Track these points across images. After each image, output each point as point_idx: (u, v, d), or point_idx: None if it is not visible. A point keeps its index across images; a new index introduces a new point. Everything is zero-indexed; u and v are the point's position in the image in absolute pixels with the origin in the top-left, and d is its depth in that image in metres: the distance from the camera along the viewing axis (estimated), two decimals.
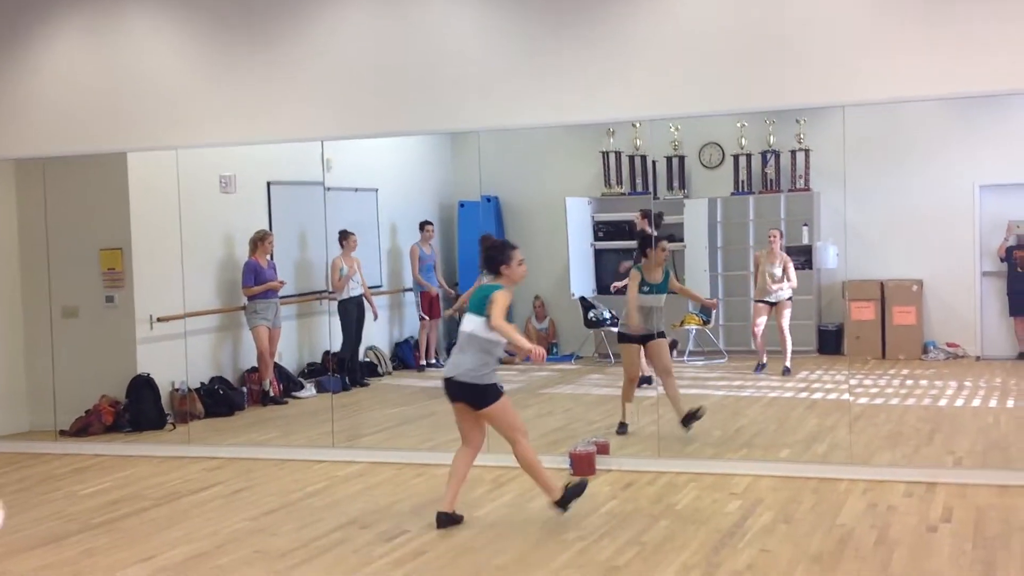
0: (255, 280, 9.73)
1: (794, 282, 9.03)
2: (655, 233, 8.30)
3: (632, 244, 10.64)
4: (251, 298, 9.74)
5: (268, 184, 9.88)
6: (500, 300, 6.06)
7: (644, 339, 8.08)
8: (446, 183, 11.63)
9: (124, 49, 8.79)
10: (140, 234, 9.22)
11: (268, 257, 9.82)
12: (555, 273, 10.80)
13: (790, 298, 9.07)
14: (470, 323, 6.19)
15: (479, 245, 6.58)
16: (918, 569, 5.15)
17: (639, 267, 8.10)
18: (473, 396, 6.16)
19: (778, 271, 9.07)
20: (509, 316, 6.15)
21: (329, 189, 8.90)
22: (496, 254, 6.23)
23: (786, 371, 9.09)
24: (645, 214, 9.19)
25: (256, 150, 8.84)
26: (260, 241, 9.78)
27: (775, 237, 9.19)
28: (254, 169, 9.68)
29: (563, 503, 6.18)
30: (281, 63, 8.35)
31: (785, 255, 9.17)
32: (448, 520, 6.15)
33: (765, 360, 9.26)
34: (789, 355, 9.10)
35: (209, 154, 8.92)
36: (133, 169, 9.16)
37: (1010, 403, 8.66)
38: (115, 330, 9.23)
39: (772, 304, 9.07)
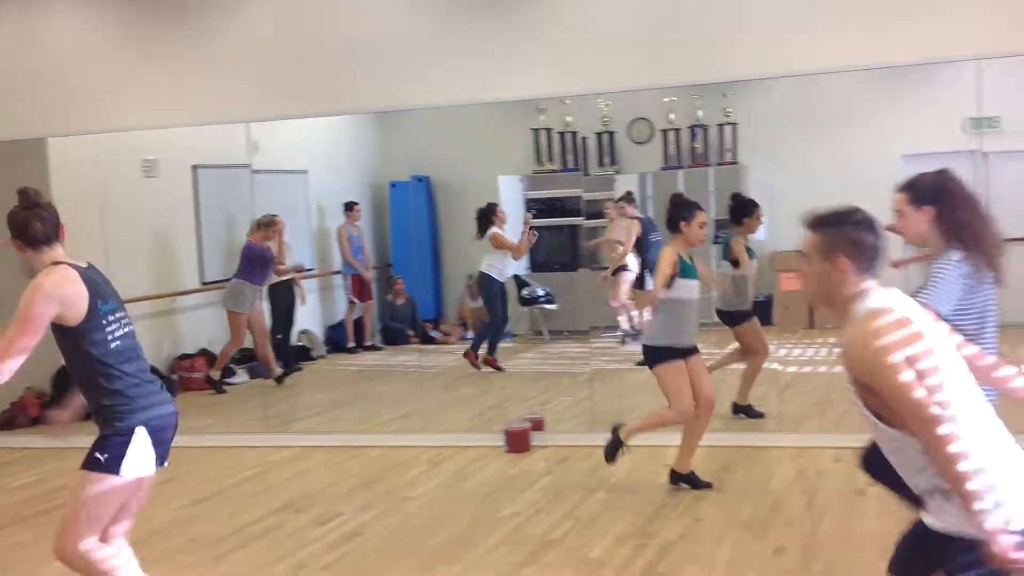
0: (255, 263, 9.58)
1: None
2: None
3: (564, 221, 10.70)
4: (240, 278, 9.56)
5: (194, 168, 9.71)
6: (663, 259, 5.97)
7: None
8: (377, 164, 11.55)
9: (41, 33, 8.56)
10: (63, 221, 9.00)
11: (271, 243, 9.69)
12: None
13: (624, 268, 9.42)
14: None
15: (668, 202, 6.35)
16: (847, 532, 5.25)
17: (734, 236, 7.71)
18: (644, 355, 6.09)
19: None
20: (691, 273, 6.02)
21: (256, 172, 8.79)
22: (677, 211, 6.09)
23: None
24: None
25: (180, 133, 8.68)
26: (267, 226, 9.64)
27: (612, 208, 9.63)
28: (179, 153, 9.50)
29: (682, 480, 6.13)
30: (204, 44, 8.20)
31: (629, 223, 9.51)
32: (680, 479, 6.12)
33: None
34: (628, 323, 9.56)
35: (131, 138, 8.73)
36: (54, 155, 8.94)
37: None
38: None
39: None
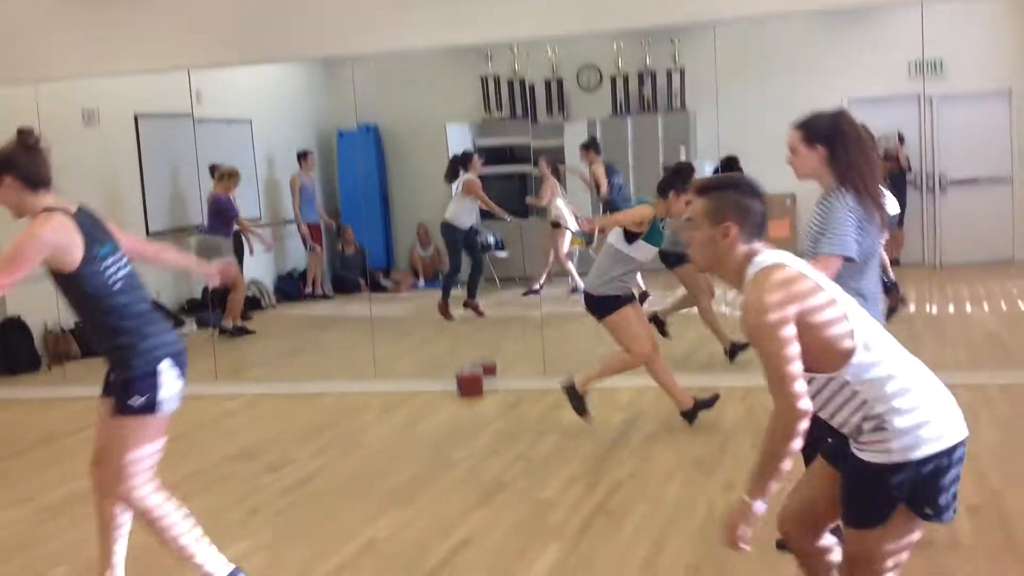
0: (223, 216, 9.53)
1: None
2: None
3: (514, 169, 10.68)
4: (211, 232, 9.50)
5: (136, 117, 9.52)
6: (635, 213, 5.98)
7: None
8: (324, 112, 11.44)
9: None
10: None
11: (233, 194, 9.68)
12: (438, 200, 10.75)
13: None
14: (612, 235, 6.09)
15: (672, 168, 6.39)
16: (794, 468, 5.32)
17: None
18: (591, 306, 6.13)
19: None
20: (657, 239, 6.02)
21: (200, 121, 8.65)
22: (675, 178, 6.01)
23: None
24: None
25: (121, 82, 8.51)
26: (230, 176, 9.63)
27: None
28: (120, 102, 9.31)
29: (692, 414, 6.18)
30: None
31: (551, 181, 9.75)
32: (695, 412, 6.18)
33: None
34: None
35: (70, 87, 8.54)
36: None
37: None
38: None
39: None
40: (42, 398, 8.13)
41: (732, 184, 2.88)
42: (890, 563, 2.86)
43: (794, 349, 2.68)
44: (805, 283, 2.75)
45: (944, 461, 2.75)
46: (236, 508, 5.29)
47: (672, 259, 7.54)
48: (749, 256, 2.82)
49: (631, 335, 6.08)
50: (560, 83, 10.39)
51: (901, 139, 8.97)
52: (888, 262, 8.53)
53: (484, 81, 10.64)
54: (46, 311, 8.81)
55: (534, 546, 4.54)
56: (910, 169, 8.88)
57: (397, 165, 11.46)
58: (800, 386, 2.68)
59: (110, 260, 3.81)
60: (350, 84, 8.64)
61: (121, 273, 3.83)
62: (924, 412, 2.75)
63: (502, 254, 10.96)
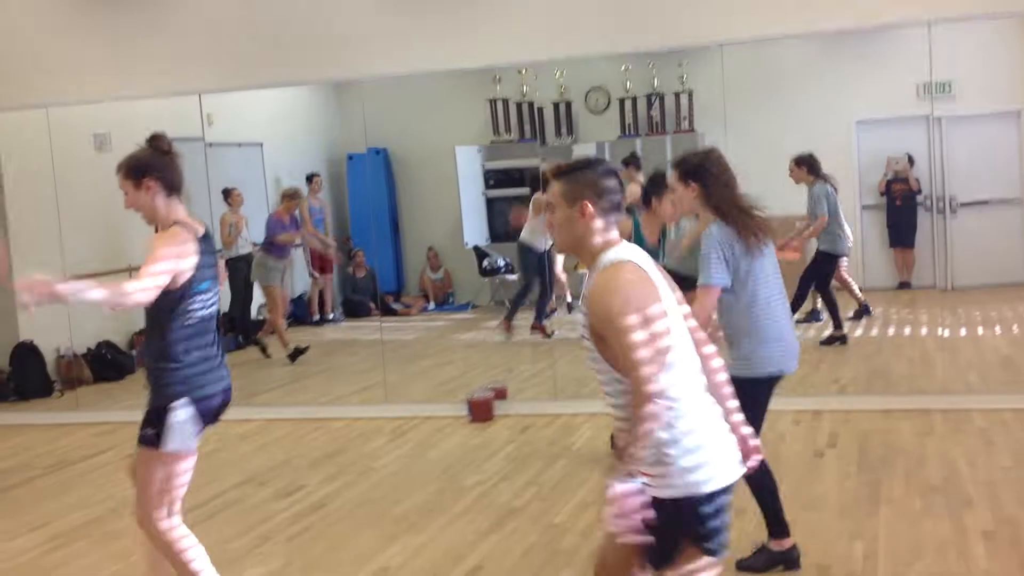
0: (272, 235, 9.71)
1: None
2: None
3: (523, 192, 10.69)
4: (265, 252, 9.59)
5: (147, 141, 9.54)
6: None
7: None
8: (334, 136, 11.46)
9: None
10: (14, 197, 8.88)
11: (294, 213, 9.84)
12: (448, 223, 10.78)
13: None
14: None
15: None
16: (807, 494, 5.32)
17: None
18: None
19: None
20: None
21: (211, 145, 8.69)
22: (648, 187, 6.06)
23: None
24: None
25: (133, 107, 8.55)
26: (290, 197, 9.79)
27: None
28: (131, 126, 9.30)
29: None
30: (154, 14, 8.08)
31: None
32: None
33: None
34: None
35: (82, 112, 8.59)
36: (2, 130, 8.79)
37: (891, 330, 8.97)
38: None
39: None
40: (54, 424, 8.14)
41: (587, 165, 2.94)
42: None
43: (641, 333, 2.72)
44: (647, 288, 2.80)
45: (717, 501, 2.81)
46: (247, 535, 5.29)
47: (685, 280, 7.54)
48: (606, 245, 2.89)
49: None
50: (568, 105, 10.40)
51: (911, 161, 8.95)
52: (855, 287, 8.53)
53: (493, 104, 10.65)
54: (58, 336, 8.85)
55: (547, 572, 4.53)
56: (920, 191, 8.86)
57: (407, 188, 11.48)
58: (650, 370, 2.71)
59: (201, 297, 3.79)
60: (360, 108, 8.67)
61: (202, 313, 3.80)
62: (703, 454, 2.79)
63: (512, 277, 10.96)
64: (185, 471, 3.88)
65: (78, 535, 5.46)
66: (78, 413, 8.34)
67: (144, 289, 3.56)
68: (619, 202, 2.91)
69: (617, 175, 2.94)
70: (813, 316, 8.57)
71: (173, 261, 3.67)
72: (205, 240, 3.86)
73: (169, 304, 3.71)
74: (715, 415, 2.91)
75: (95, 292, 3.46)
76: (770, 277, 4.23)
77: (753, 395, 4.23)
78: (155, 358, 3.78)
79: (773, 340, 4.24)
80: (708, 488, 2.77)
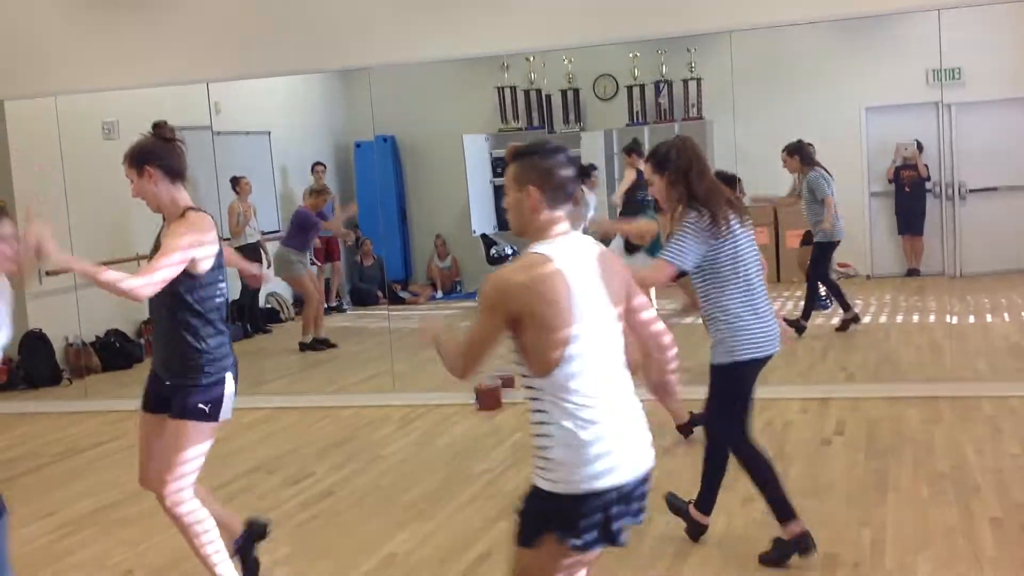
0: (302, 231, 9.74)
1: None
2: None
3: None
4: (286, 246, 9.65)
5: (151, 128, 9.56)
6: (636, 223, 6.08)
7: None
8: (341, 124, 11.46)
9: None
10: (23, 186, 8.90)
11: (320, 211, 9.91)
12: (455, 211, 10.79)
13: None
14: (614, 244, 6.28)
15: None
16: (814, 482, 5.32)
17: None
18: None
19: None
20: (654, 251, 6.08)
21: (218, 133, 8.70)
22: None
23: None
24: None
25: (140, 95, 8.56)
26: (319, 192, 9.89)
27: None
28: (139, 114, 9.32)
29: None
30: (163, 3, 8.08)
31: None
32: (689, 428, 6.19)
33: None
34: None
35: (91, 100, 8.60)
36: (11, 118, 8.81)
37: (899, 318, 8.96)
38: None
39: None
40: (63, 412, 8.17)
41: (538, 151, 2.93)
42: None
43: (491, 333, 2.79)
44: (549, 283, 2.75)
45: (598, 500, 2.77)
46: None
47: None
48: (540, 233, 2.87)
49: None
50: (576, 93, 10.39)
51: (920, 148, 8.93)
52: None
53: (500, 91, 10.64)
54: (67, 325, 8.88)
55: None
56: (929, 178, 8.84)
57: (414, 176, 11.48)
58: (474, 364, 2.85)
59: (221, 275, 3.93)
60: (367, 95, 8.65)
61: (223, 289, 3.94)
62: (604, 445, 2.77)
63: None
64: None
65: (87, 523, 5.49)
66: (87, 401, 8.37)
67: (152, 283, 3.65)
68: (569, 190, 2.90)
69: (572, 163, 2.94)
70: (820, 303, 8.54)
71: (196, 249, 3.75)
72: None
73: (193, 286, 3.82)
74: (624, 418, 2.88)
75: (110, 274, 3.57)
76: (749, 261, 4.28)
77: (737, 380, 4.33)
78: (187, 346, 3.89)
79: (753, 324, 4.28)
80: (585, 488, 2.75)
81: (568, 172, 2.90)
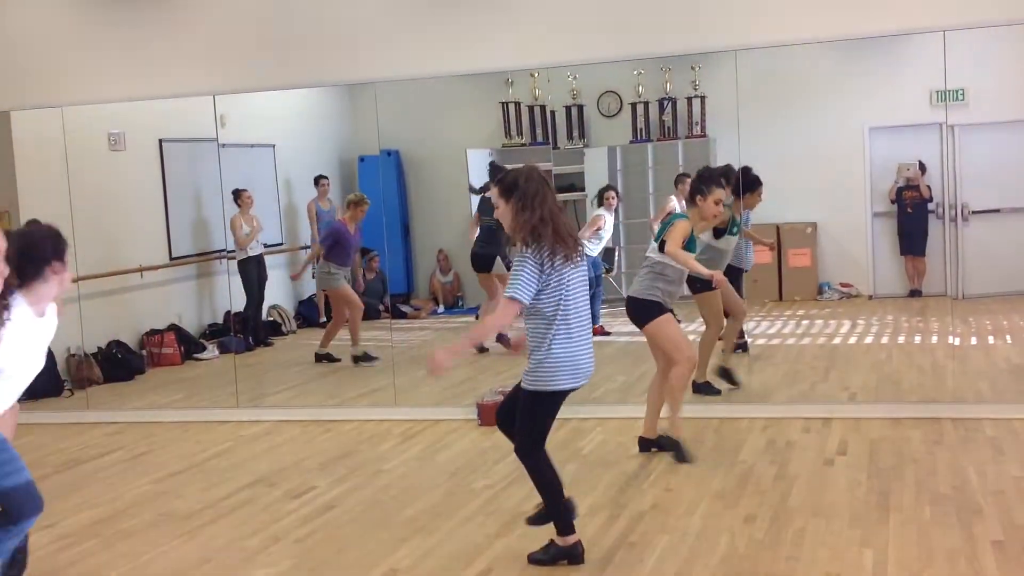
0: (340, 245, 9.72)
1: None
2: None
3: None
4: (327, 260, 9.64)
5: (160, 142, 9.61)
6: (678, 228, 6.10)
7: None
8: (346, 137, 11.47)
9: (2, 4, 8.44)
10: (27, 196, 8.91)
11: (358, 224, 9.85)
12: (458, 226, 10.77)
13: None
14: (651, 247, 6.29)
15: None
16: (816, 501, 5.31)
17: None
18: (634, 311, 6.22)
19: None
20: (691, 247, 6.20)
21: (224, 146, 8.72)
22: (697, 183, 6.28)
23: None
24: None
25: (146, 107, 8.59)
26: (355, 205, 9.80)
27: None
28: (145, 126, 9.40)
29: (674, 451, 6.19)
30: (169, 16, 8.12)
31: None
32: (649, 445, 6.28)
33: None
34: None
35: (97, 112, 8.63)
36: (17, 129, 8.82)
37: (901, 339, 8.95)
38: None
39: None
40: (64, 423, 8.17)
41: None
42: None
43: None
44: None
45: None
46: (255, 536, 5.29)
47: (698, 284, 7.51)
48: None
49: (672, 342, 6.15)
50: (580, 109, 10.40)
51: (923, 168, 8.94)
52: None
53: (505, 107, 10.65)
54: (69, 336, 8.86)
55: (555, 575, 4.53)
56: (932, 199, 8.84)
57: (417, 190, 11.49)
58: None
59: None
60: (372, 110, 8.68)
61: None
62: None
63: None
64: None
65: (88, 535, 5.48)
66: (88, 413, 8.37)
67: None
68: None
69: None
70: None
71: None
72: None
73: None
74: None
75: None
76: (576, 293, 4.46)
77: (543, 407, 4.52)
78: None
79: (569, 355, 4.46)
80: None
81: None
